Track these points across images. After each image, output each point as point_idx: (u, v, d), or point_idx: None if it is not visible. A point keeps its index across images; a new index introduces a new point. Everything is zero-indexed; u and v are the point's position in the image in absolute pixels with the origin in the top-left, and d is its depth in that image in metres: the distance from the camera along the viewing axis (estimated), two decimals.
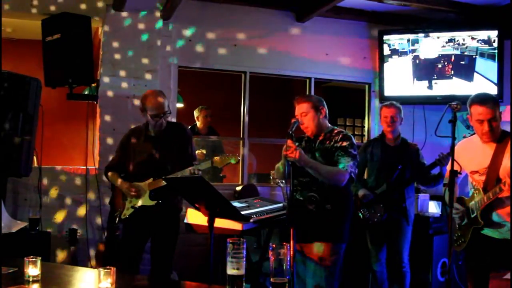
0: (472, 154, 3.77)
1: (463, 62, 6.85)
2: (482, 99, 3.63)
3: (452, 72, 6.87)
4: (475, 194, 3.73)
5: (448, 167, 3.80)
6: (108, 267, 2.59)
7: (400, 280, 5.18)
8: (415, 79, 7.04)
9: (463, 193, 4.08)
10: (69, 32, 5.64)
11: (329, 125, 4.15)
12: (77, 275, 3.13)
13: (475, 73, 6.75)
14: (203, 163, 4.52)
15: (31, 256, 2.79)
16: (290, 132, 3.88)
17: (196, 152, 7.31)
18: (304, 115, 4.01)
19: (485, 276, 3.73)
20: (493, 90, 6.61)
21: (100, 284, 2.57)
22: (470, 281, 3.87)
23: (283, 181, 4.97)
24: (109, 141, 5.94)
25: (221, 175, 7.50)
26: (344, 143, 3.94)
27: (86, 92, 6.58)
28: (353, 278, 5.56)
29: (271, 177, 5.77)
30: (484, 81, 6.69)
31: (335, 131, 4.06)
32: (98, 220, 5.89)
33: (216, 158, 4.51)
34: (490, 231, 3.67)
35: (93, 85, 6.16)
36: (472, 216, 3.73)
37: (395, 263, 5.20)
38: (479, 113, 3.59)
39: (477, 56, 6.78)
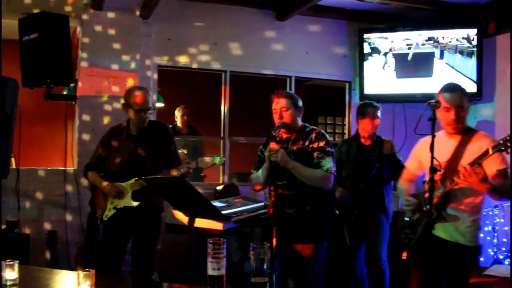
0: (434, 148, 3.69)
1: (424, 59, 6.93)
2: (451, 87, 3.63)
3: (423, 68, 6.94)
4: (427, 188, 3.61)
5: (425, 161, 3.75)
6: (87, 269, 2.57)
7: (380, 277, 5.20)
8: (395, 77, 7.08)
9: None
10: (47, 31, 5.58)
11: (301, 123, 4.13)
12: (56, 278, 3.10)
13: (455, 71, 6.80)
14: (187, 164, 4.51)
15: (9, 260, 2.75)
16: (274, 134, 3.88)
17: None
18: (285, 110, 3.99)
19: (430, 277, 3.61)
20: (472, 87, 6.67)
21: (79, 286, 2.55)
22: (414, 281, 3.77)
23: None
24: (88, 141, 5.89)
25: (202, 174, 7.48)
26: (321, 143, 3.93)
27: (64, 92, 6.52)
28: (334, 276, 5.57)
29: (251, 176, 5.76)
30: (463, 78, 6.74)
31: (308, 129, 4.04)
32: (78, 222, 5.84)
33: (201, 159, 4.50)
34: (441, 231, 3.58)
35: (71, 85, 6.11)
36: (424, 209, 3.65)
37: (374, 260, 5.22)
38: (447, 100, 3.55)
39: (457, 54, 6.84)
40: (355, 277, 5.34)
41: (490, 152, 3.22)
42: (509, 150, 3.15)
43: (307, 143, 3.95)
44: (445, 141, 3.61)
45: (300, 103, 4.08)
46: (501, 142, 3.16)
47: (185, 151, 6.96)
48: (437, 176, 3.56)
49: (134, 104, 4.46)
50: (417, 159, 3.89)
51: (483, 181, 3.30)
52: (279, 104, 4.00)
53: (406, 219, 3.80)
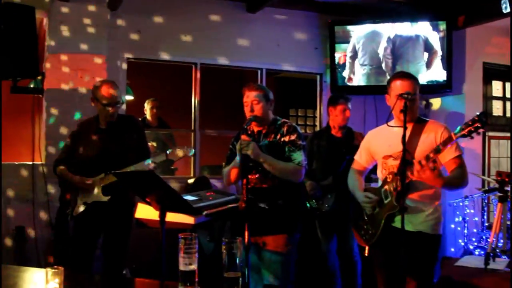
0: (385, 138, 3.65)
1: (395, 50, 6.97)
2: (404, 74, 3.60)
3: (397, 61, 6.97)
4: (387, 179, 3.57)
5: (377, 152, 3.74)
6: (56, 266, 2.52)
7: (351, 269, 5.23)
8: (366, 69, 7.11)
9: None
10: (12, 23, 5.45)
11: (272, 116, 4.11)
12: (24, 276, 3.04)
13: (424, 63, 6.85)
14: (158, 156, 4.46)
15: None
16: (245, 127, 3.86)
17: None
18: (256, 103, 3.95)
19: (396, 271, 3.45)
20: (442, 77, 6.73)
21: (48, 284, 2.49)
22: (379, 279, 3.71)
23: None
24: (56, 135, 5.79)
25: (172, 167, 7.43)
26: (292, 136, 3.91)
27: (31, 85, 6.40)
28: (306, 268, 5.59)
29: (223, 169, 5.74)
30: (432, 70, 6.78)
31: (279, 122, 4.02)
32: (47, 217, 5.75)
33: (171, 150, 4.44)
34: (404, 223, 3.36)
35: (38, 78, 6.00)
36: (386, 201, 3.57)
37: (346, 252, 5.25)
38: (400, 87, 3.49)
39: (427, 46, 6.88)
40: (327, 269, 5.36)
41: (453, 138, 3.17)
42: (473, 135, 3.08)
43: (278, 136, 3.94)
44: (396, 131, 3.48)
45: (271, 96, 4.05)
46: (464, 127, 3.09)
47: (155, 144, 6.91)
48: (393, 168, 3.54)
49: (101, 98, 4.40)
50: (367, 151, 3.86)
51: (437, 177, 3.25)
52: (250, 97, 3.97)
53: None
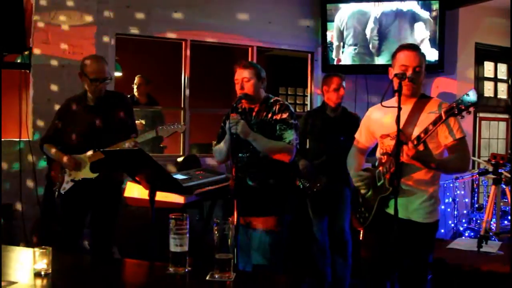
0: (384, 116, 3.48)
1: (387, 29, 6.93)
2: (409, 45, 3.44)
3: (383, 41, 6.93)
4: (382, 160, 3.44)
5: (377, 131, 3.59)
6: (43, 246, 2.49)
7: (342, 249, 5.23)
8: (358, 48, 7.06)
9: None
10: None
11: (265, 94, 4.04)
12: (12, 256, 2.99)
13: (417, 43, 6.81)
14: (147, 133, 4.41)
15: None
16: (235, 105, 3.81)
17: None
18: (246, 81, 3.89)
19: (385, 258, 3.34)
20: (434, 57, 6.71)
21: (36, 265, 2.46)
22: (367, 263, 3.61)
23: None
24: (44, 111, 5.71)
25: (161, 145, 7.39)
26: (284, 115, 3.85)
27: (18, 61, 6.31)
28: (297, 248, 5.58)
29: (213, 147, 5.70)
30: (426, 49, 6.75)
31: (271, 101, 3.96)
32: (34, 195, 5.69)
33: (161, 127, 4.39)
34: (393, 208, 3.15)
35: (25, 53, 5.91)
36: (379, 183, 3.43)
37: (337, 232, 5.24)
38: (405, 57, 3.33)
39: (419, 25, 6.83)
40: (318, 248, 5.35)
41: (443, 117, 2.99)
42: (463, 113, 2.93)
43: (270, 114, 3.89)
44: (395, 109, 3.21)
45: (263, 74, 4.00)
46: (454, 105, 2.93)
47: (143, 122, 6.85)
48: (389, 148, 3.39)
49: (89, 73, 4.34)
50: (367, 130, 3.71)
51: (427, 159, 3.12)
52: (241, 74, 3.91)
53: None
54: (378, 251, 3.43)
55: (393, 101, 3.33)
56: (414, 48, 3.42)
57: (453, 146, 3.27)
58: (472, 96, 2.87)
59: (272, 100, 3.96)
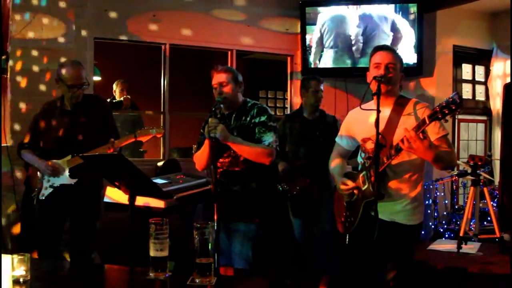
0: (364, 119, 3.45)
1: (367, 32, 6.96)
2: (383, 46, 3.49)
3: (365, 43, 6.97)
4: (366, 164, 3.40)
5: (357, 135, 3.58)
6: (22, 253, 2.47)
7: (324, 250, 5.25)
8: (338, 51, 7.09)
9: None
10: None
11: (242, 98, 4.04)
12: None
13: (395, 45, 6.86)
14: (125, 137, 4.39)
15: None
16: (213, 109, 3.81)
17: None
18: (224, 85, 3.91)
19: (371, 262, 3.38)
20: (412, 60, 6.77)
21: (14, 272, 2.44)
22: (353, 267, 3.60)
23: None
24: (21, 117, 5.66)
25: (141, 150, 7.36)
26: (263, 118, 3.85)
27: None
28: (278, 252, 5.58)
29: (193, 151, 5.70)
30: (403, 53, 6.80)
31: (249, 104, 3.96)
32: (13, 201, 5.63)
33: (139, 131, 4.37)
34: (380, 211, 3.17)
35: (2, 57, 5.85)
36: (363, 188, 3.39)
37: (318, 235, 5.26)
38: (378, 56, 3.37)
39: (398, 28, 6.88)
40: (299, 250, 5.37)
41: (427, 121, 2.98)
42: (446, 117, 2.92)
43: (249, 118, 3.90)
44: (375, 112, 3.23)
45: (240, 78, 4.00)
46: (438, 109, 2.91)
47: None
48: (371, 151, 3.35)
49: (66, 79, 4.30)
50: (348, 133, 3.70)
51: (429, 148, 3.05)
52: (218, 79, 3.92)
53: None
54: (365, 255, 3.41)
55: (372, 104, 3.31)
56: (386, 48, 3.47)
57: (439, 143, 3.27)
58: (456, 99, 2.86)
59: (250, 104, 3.97)
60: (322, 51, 7.14)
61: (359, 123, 3.55)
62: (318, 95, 5.26)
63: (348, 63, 7.05)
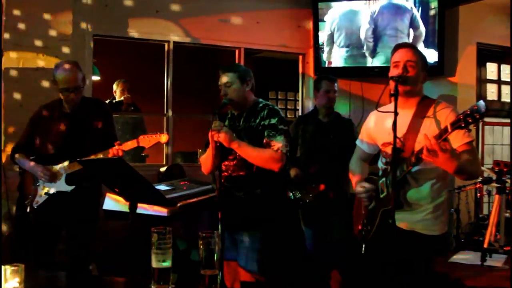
0: (385, 122, 3.44)
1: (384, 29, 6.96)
2: (404, 43, 3.47)
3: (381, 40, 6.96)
4: (387, 170, 3.39)
5: (379, 138, 3.58)
6: (15, 264, 2.47)
7: (337, 259, 5.25)
8: (351, 50, 7.08)
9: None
10: None
11: (254, 97, 4.03)
12: None
13: (415, 43, 6.84)
14: (127, 142, 4.40)
15: None
16: (217, 111, 3.80)
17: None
18: (228, 86, 3.90)
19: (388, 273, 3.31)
20: (433, 57, 6.75)
21: (6, 284, 2.44)
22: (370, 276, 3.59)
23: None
24: (16, 119, 5.67)
25: (143, 154, 7.37)
26: (273, 120, 3.83)
27: None
28: (289, 262, 5.58)
29: (198, 156, 5.70)
30: (424, 50, 6.78)
31: (260, 105, 3.95)
32: (5, 209, 5.65)
33: (142, 137, 4.37)
34: (398, 220, 3.16)
35: None
36: (382, 196, 3.42)
37: (332, 245, 5.25)
38: (397, 54, 3.37)
39: (418, 24, 6.86)
40: (311, 260, 5.35)
41: (449, 129, 2.95)
42: (470, 126, 2.92)
43: (258, 120, 3.88)
44: (398, 114, 3.19)
45: (249, 76, 3.98)
46: (461, 117, 2.88)
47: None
48: (389, 157, 3.37)
49: (59, 82, 4.33)
50: (369, 137, 3.69)
51: (450, 159, 3.02)
52: (223, 79, 3.91)
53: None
54: (382, 266, 3.39)
55: (392, 106, 3.26)
56: (406, 45, 3.46)
57: (463, 150, 3.24)
58: (481, 108, 2.83)
59: (261, 105, 3.95)
60: (333, 49, 7.13)
61: (379, 126, 3.54)
62: (331, 95, 5.26)
63: (361, 62, 7.04)
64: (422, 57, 3.42)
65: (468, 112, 2.86)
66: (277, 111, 3.91)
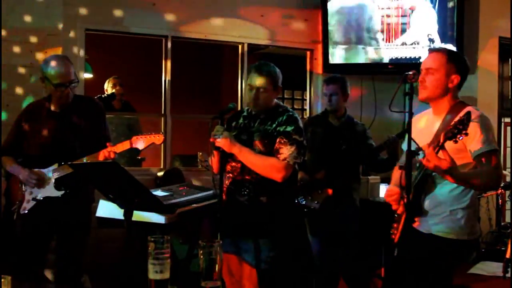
0: (419, 128, 3.56)
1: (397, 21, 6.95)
2: (434, 48, 3.60)
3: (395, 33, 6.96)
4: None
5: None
6: (1, 276, 2.46)
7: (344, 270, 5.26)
8: (362, 44, 7.07)
9: None
10: None
11: (276, 100, 4.04)
12: None
13: (431, 36, 6.84)
14: (120, 144, 4.39)
15: None
16: (219, 117, 3.80)
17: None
18: (263, 91, 3.88)
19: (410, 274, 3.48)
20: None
21: None
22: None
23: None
24: (1, 119, 5.69)
25: (139, 157, 7.37)
26: (289, 128, 3.84)
27: None
28: (297, 274, 5.58)
29: (199, 160, 5.69)
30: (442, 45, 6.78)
31: (280, 110, 3.96)
32: None
33: (136, 138, 4.36)
34: (418, 222, 3.47)
35: None
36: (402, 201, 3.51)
37: (342, 258, 5.25)
38: (423, 63, 3.49)
39: (434, 15, 6.86)
40: (318, 271, 5.35)
41: (441, 140, 3.06)
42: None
43: (275, 125, 3.88)
44: (429, 121, 3.49)
45: (280, 80, 4.00)
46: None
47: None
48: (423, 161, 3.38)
49: (52, 77, 4.30)
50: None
51: (447, 171, 3.08)
52: (256, 81, 3.89)
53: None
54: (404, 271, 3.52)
55: (430, 111, 3.50)
56: (435, 50, 3.55)
57: (478, 160, 3.27)
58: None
59: (281, 110, 3.96)
60: (346, 44, 7.12)
61: (415, 130, 3.54)
62: (330, 99, 5.24)
63: (375, 57, 7.03)
64: (453, 59, 3.49)
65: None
66: (296, 119, 3.91)
